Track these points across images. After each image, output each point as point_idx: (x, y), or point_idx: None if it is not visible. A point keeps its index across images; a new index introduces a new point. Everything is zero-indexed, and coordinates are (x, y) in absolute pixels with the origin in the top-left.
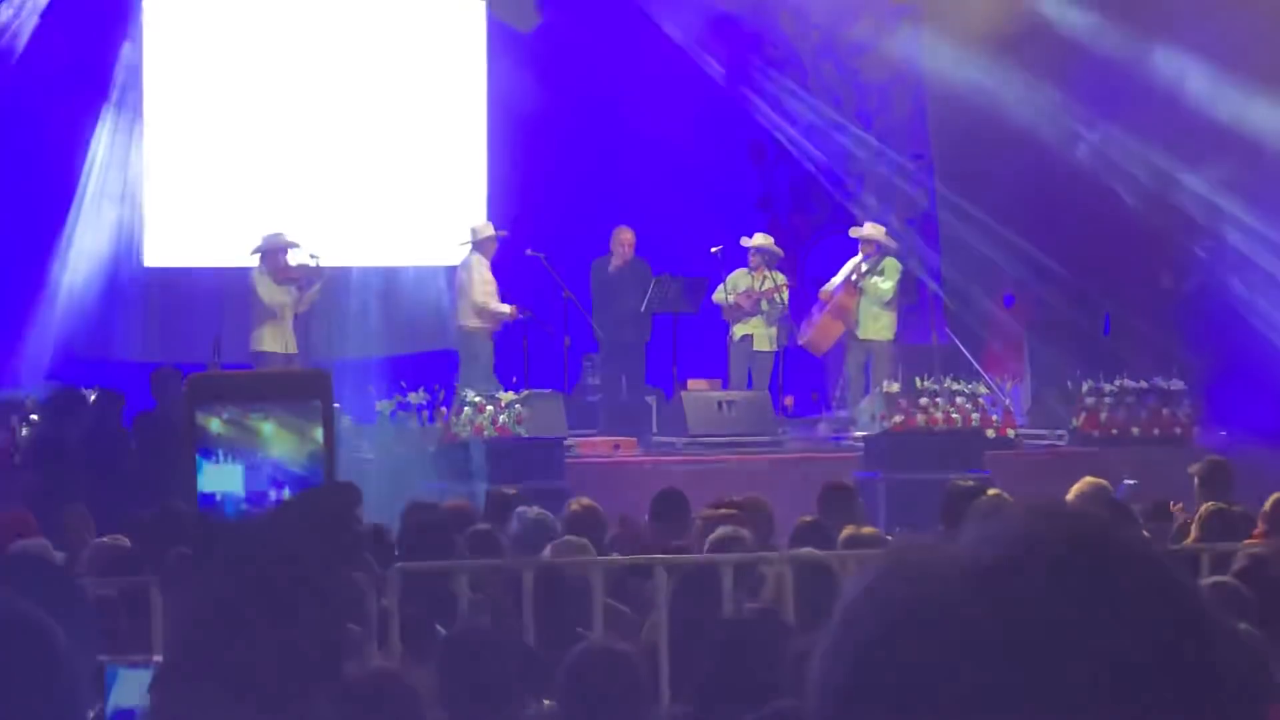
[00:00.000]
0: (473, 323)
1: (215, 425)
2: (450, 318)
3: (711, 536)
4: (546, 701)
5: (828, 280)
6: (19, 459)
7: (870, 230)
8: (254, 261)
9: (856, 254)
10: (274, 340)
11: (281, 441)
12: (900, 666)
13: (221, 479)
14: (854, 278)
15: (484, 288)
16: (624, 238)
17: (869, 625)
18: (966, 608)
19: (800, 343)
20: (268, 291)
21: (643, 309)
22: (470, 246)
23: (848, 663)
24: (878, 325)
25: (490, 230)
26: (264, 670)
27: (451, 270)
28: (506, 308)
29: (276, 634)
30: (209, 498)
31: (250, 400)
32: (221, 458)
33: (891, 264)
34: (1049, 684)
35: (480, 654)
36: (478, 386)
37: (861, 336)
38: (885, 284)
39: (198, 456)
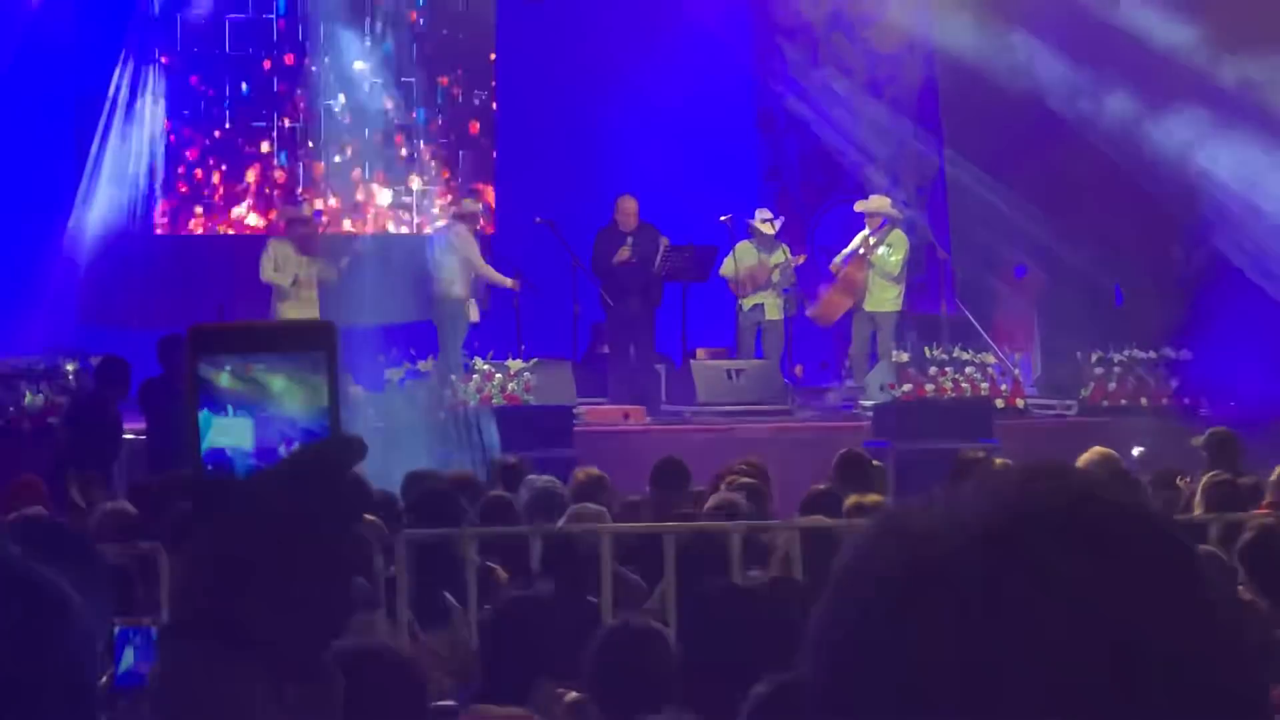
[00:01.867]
0: (457, 293)
1: (225, 379)
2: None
3: (707, 505)
4: (573, 694)
5: (836, 249)
6: (57, 421)
7: (875, 203)
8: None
9: (864, 227)
10: (296, 311)
11: (291, 395)
12: (896, 631)
13: (231, 434)
14: (862, 250)
15: (480, 258)
16: (625, 206)
17: (864, 590)
18: (964, 571)
19: (808, 315)
20: (269, 267)
21: (655, 270)
22: (451, 219)
23: (843, 628)
24: (885, 297)
25: (478, 205)
26: (269, 625)
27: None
28: (508, 280)
29: (280, 588)
30: (219, 453)
31: (253, 351)
32: (232, 412)
33: (899, 236)
34: (1047, 648)
35: (529, 621)
36: (455, 358)
37: (868, 309)
38: (893, 257)
39: (206, 410)
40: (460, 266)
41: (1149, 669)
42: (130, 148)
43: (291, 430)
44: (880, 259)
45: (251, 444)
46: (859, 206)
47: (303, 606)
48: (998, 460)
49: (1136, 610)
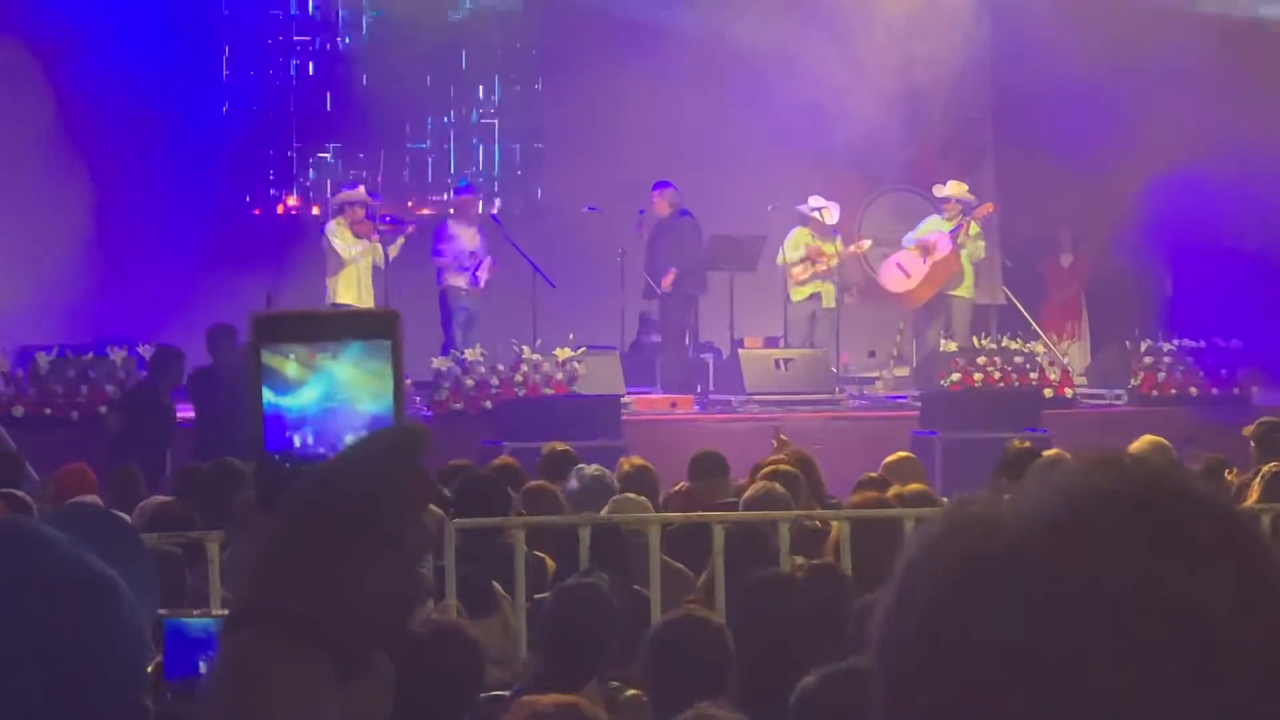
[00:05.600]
0: (455, 281)
1: (292, 369)
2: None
3: (745, 496)
4: (630, 691)
5: (885, 237)
6: (104, 409)
7: (955, 188)
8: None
9: (934, 213)
10: (348, 291)
11: (358, 384)
12: (966, 623)
13: (298, 421)
14: (961, 239)
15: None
16: (654, 196)
17: (932, 582)
18: (1034, 560)
19: (896, 291)
20: (343, 246)
21: (702, 264)
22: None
23: (910, 621)
24: (969, 283)
25: (467, 195)
26: (334, 616)
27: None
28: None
29: (346, 579)
30: (285, 441)
31: (316, 340)
32: (298, 399)
33: (975, 225)
34: (1120, 634)
35: (588, 611)
36: (458, 343)
37: (954, 294)
38: (980, 244)
39: (275, 396)
40: (454, 255)
41: (1221, 651)
42: None
43: (359, 419)
44: (971, 245)
45: (318, 432)
46: (938, 191)
47: (368, 597)
48: (1048, 450)
49: (1207, 595)
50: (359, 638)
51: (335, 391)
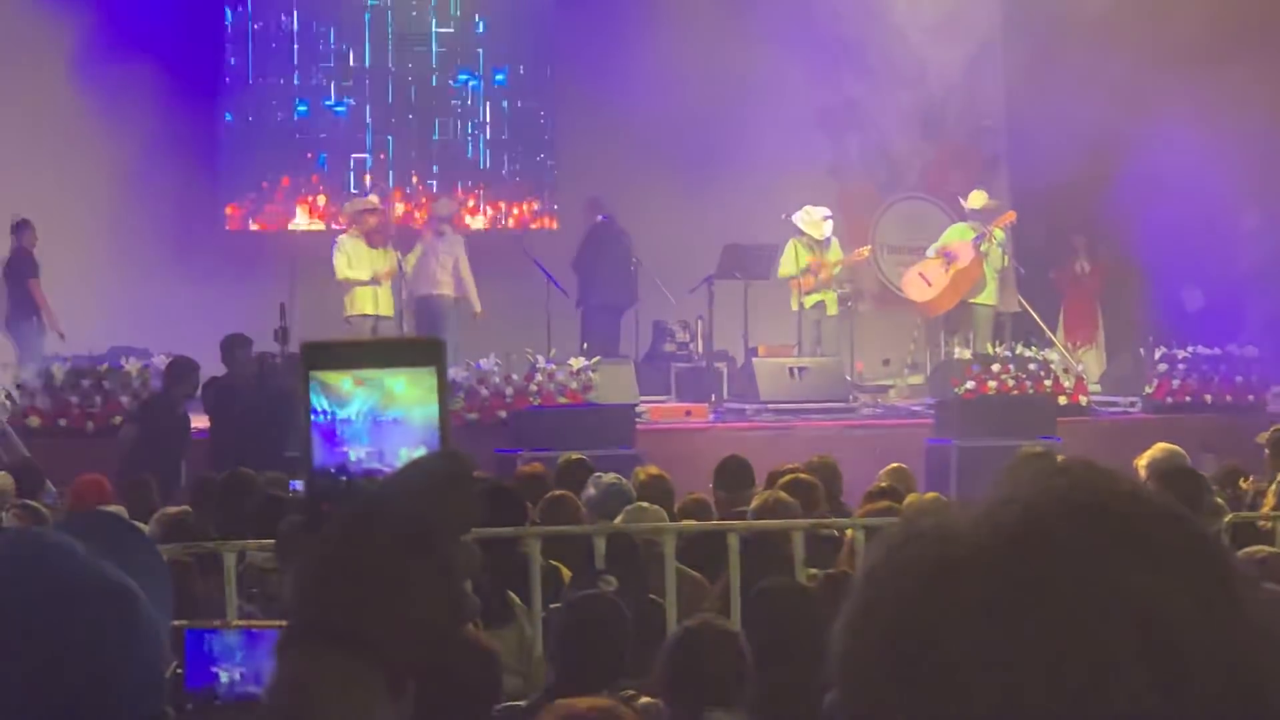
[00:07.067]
0: (447, 291)
1: (346, 384)
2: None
3: (754, 505)
4: (644, 699)
5: (900, 245)
6: (120, 419)
7: (978, 198)
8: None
9: (958, 219)
10: (365, 302)
11: (410, 401)
12: (932, 632)
13: (354, 437)
14: (983, 247)
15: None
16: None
17: (896, 591)
18: (990, 571)
19: (918, 300)
20: (343, 264)
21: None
22: (442, 220)
23: (876, 631)
24: (988, 291)
25: (454, 206)
26: (385, 633)
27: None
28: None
29: (397, 597)
30: (342, 455)
31: (364, 367)
32: (353, 412)
33: (998, 232)
34: (1083, 637)
35: (599, 620)
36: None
37: (977, 301)
38: (1001, 252)
39: (328, 405)
40: (451, 266)
41: (1185, 654)
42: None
43: (413, 434)
44: (993, 254)
45: (373, 446)
46: (965, 203)
47: (419, 616)
48: (1060, 458)
49: (1169, 597)
50: (409, 656)
51: (388, 405)
